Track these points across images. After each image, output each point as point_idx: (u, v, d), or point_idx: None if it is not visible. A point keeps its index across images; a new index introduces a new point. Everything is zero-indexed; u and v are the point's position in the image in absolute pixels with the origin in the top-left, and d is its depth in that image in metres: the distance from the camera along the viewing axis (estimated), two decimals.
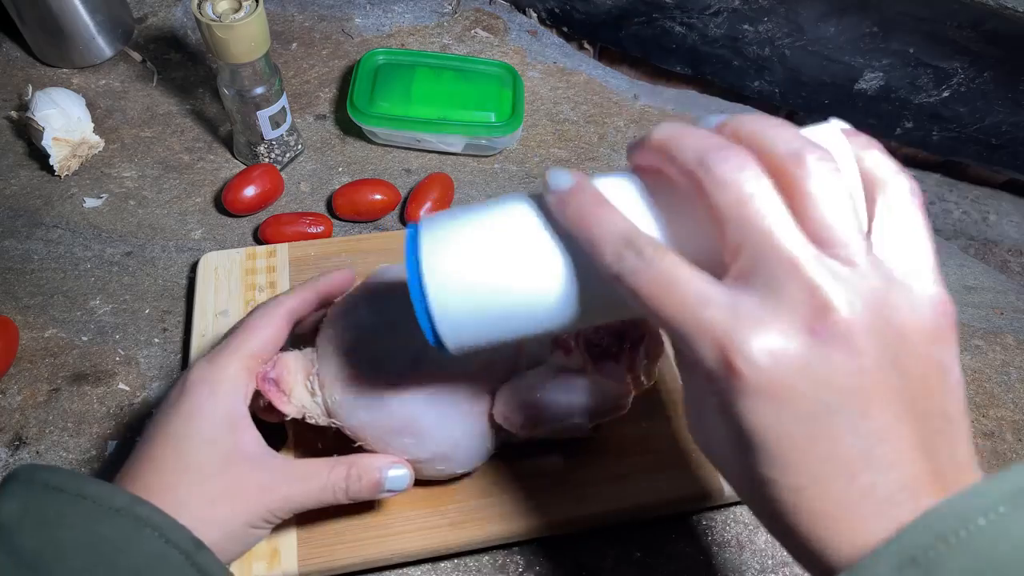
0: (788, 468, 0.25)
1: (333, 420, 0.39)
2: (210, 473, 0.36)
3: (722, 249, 0.26)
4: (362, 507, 0.43)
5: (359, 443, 0.40)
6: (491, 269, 0.30)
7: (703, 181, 0.26)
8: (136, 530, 0.31)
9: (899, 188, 0.27)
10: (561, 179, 0.29)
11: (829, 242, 0.24)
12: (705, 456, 0.30)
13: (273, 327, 0.41)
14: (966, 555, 0.22)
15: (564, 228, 0.29)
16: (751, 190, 0.25)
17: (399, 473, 0.39)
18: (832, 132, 0.28)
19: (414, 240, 0.31)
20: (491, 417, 0.40)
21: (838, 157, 0.26)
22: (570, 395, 0.40)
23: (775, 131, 0.26)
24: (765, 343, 0.24)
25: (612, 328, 0.43)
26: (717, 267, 0.26)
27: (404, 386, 0.38)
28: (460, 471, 0.42)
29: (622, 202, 0.29)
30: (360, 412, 0.38)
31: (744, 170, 0.25)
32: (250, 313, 0.42)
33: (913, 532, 0.23)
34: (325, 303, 0.44)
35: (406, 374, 0.39)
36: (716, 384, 0.25)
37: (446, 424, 0.39)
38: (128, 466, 0.37)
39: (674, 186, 0.28)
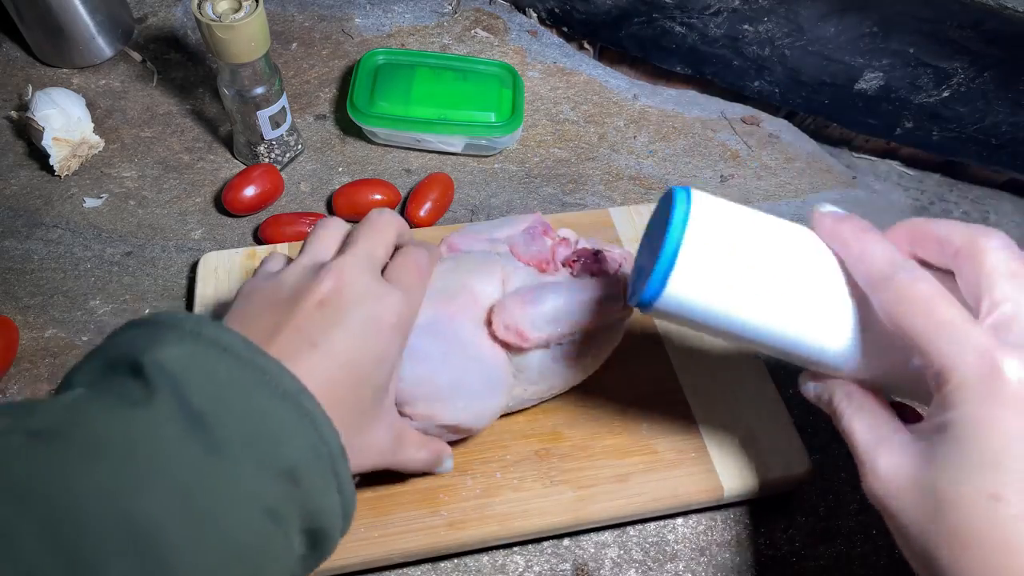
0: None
1: None
2: (366, 422, 0.36)
3: (982, 301, 0.31)
4: (362, 507, 0.42)
5: None
6: (745, 254, 0.33)
7: (981, 251, 0.31)
8: (299, 419, 0.30)
9: None
10: (834, 208, 0.35)
11: None
12: (883, 494, 0.32)
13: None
14: None
15: (833, 242, 0.34)
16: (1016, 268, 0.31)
17: (449, 462, 0.42)
18: None
19: (687, 198, 0.33)
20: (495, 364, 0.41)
21: None
22: (569, 295, 0.42)
23: None
24: None
25: (589, 249, 0.45)
26: None
27: None
28: (465, 418, 0.42)
29: None
30: None
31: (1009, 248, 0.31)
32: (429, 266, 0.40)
33: None
34: None
35: None
36: (968, 392, 0.28)
37: (450, 360, 0.40)
38: (272, 343, 0.33)
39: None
